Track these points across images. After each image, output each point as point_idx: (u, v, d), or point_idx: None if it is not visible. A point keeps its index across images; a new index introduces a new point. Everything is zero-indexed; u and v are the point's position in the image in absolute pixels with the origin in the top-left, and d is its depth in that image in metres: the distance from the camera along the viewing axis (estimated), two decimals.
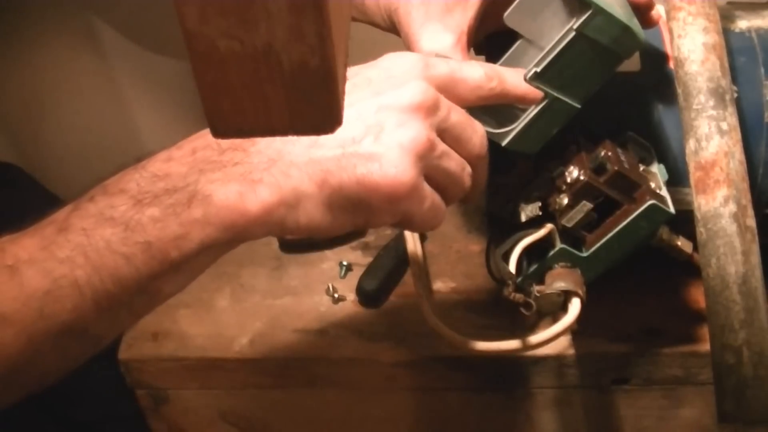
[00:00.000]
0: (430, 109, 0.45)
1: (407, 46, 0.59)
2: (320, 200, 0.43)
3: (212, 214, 0.41)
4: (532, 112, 0.54)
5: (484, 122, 0.53)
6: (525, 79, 0.53)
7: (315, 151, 0.43)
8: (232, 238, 0.42)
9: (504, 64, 0.55)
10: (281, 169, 0.43)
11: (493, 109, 0.54)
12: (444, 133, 0.47)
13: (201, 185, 0.42)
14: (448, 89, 0.48)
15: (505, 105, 0.54)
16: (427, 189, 0.46)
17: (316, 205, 0.43)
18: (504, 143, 0.55)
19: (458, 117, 0.47)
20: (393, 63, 0.48)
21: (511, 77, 0.51)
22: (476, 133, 0.49)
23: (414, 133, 0.44)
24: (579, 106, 0.55)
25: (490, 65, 0.51)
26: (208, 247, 0.42)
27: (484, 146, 0.49)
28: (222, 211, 0.41)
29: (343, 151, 0.43)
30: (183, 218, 0.41)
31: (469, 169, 0.49)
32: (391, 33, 0.68)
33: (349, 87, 0.44)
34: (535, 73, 0.52)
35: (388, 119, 0.44)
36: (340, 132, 0.42)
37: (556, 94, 0.54)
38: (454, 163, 0.47)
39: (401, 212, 0.45)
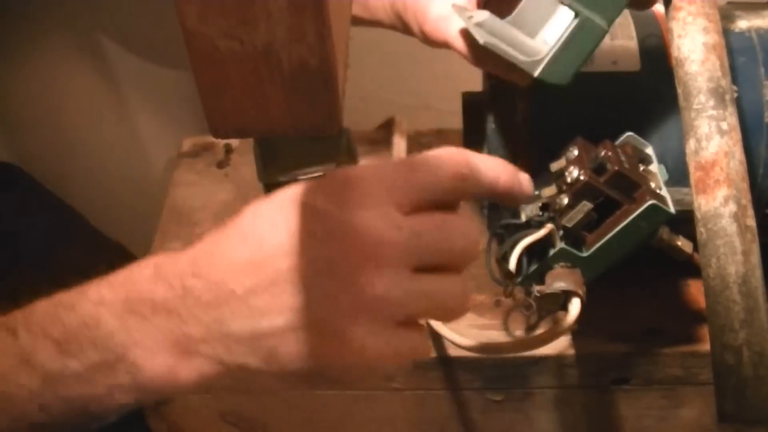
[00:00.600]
0: (394, 263, 0.37)
1: (418, 20, 0.61)
2: (271, 374, 0.38)
3: (140, 383, 0.39)
4: (564, 35, 0.54)
5: (512, 55, 0.54)
6: None
7: (258, 322, 0.37)
8: (163, 398, 0.41)
9: (518, 13, 0.56)
10: (221, 341, 0.38)
11: (515, 40, 0.55)
12: (426, 259, 0.39)
13: (129, 350, 0.38)
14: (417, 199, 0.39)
15: (521, 32, 0.55)
16: (403, 341, 0.38)
17: (269, 377, 0.39)
18: (536, 73, 0.55)
19: (433, 241, 0.39)
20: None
21: (487, 164, 0.42)
22: (464, 237, 0.40)
23: (373, 295, 0.37)
24: (607, 29, 0.55)
25: (455, 153, 0.41)
26: (132, 406, 0.40)
27: (475, 245, 0.41)
28: (151, 382, 0.39)
29: (288, 323, 0.37)
30: (108, 381, 0.39)
31: (457, 286, 0.40)
32: (394, 29, 0.68)
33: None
34: None
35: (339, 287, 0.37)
36: (285, 300, 0.37)
37: (587, 13, 0.54)
38: (439, 298, 0.39)
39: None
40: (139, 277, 0.39)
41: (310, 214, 0.37)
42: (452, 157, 0.40)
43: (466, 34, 0.60)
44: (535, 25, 0.56)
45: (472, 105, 0.70)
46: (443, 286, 0.39)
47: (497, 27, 0.56)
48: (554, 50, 0.55)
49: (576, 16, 0.54)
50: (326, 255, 0.37)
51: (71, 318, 0.39)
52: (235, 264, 0.38)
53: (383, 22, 0.68)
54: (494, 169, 0.42)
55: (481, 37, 0.55)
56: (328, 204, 0.37)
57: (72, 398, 0.39)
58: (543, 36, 0.56)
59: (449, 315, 0.41)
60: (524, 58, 0.55)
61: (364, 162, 0.41)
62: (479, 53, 0.59)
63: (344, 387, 0.40)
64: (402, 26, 0.66)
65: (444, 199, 0.40)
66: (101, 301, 0.39)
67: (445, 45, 0.62)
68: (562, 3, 0.54)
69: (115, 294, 0.39)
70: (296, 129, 0.30)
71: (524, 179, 0.44)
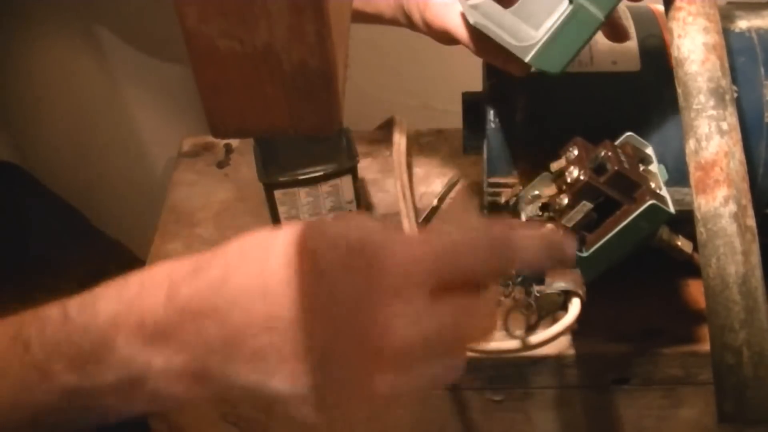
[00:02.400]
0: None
1: (420, 7, 0.61)
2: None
3: (157, 400, 0.39)
4: (557, 22, 0.54)
5: (503, 39, 0.54)
6: None
7: (265, 382, 0.37)
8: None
9: (522, 4, 0.56)
10: (231, 379, 0.38)
11: (513, 27, 0.55)
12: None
13: (148, 377, 0.38)
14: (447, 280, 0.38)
15: (524, 22, 0.55)
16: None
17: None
18: (527, 58, 0.55)
19: (451, 330, 0.38)
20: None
21: (528, 247, 0.40)
22: (482, 323, 0.39)
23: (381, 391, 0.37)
24: (603, 18, 0.55)
25: (501, 227, 0.40)
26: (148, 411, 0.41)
27: (491, 329, 0.40)
28: (168, 400, 0.39)
29: (293, 391, 0.37)
30: (126, 398, 0.39)
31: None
32: (395, 23, 0.68)
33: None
34: None
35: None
36: (292, 367, 0.36)
37: (581, 1, 0.54)
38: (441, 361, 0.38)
39: None
40: (153, 301, 0.38)
41: (328, 283, 0.36)
42: (489, 241, 0.39)
43: (466, 19, 0.60)
44: (539, 17, 0.56)
45: (472, 105, 0.70)
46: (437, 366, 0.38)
47: (494, 12, 0.56)
48: (547, 36, 0.54)
49: (570, 2, 0.54)
50: (340, 329, 0.36)
51: (85, 340, 0.38)
52: (250, 315, 0.36)
53: (384, 15, 0.68)
54: (533, 250, 0.40)
55: (472, 18, 0.55)
56: (350, 278, 0.36)
57: (90, 407, 0.39)
58: (545, 25, 0.56)
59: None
60: (516, 43, 0.55)
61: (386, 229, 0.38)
62: (479, 40, 0.59)
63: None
64: (403, 16, 0.66)
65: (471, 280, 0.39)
66: (115, 323, 0.38)
67: (446, 33, 0.62)
68: None
69: (129, 316, 0.38)
70: (296, 129, 0.30)
71: (568, 246, 0.41)
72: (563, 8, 0.55)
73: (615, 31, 0.61)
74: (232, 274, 0.37)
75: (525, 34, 0.55)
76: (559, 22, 0.54)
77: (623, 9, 0.67)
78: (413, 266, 0.37)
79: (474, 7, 0.56)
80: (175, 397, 0.38)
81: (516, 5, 0.56)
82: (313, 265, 0.36)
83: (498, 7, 0.56)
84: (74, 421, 0.40)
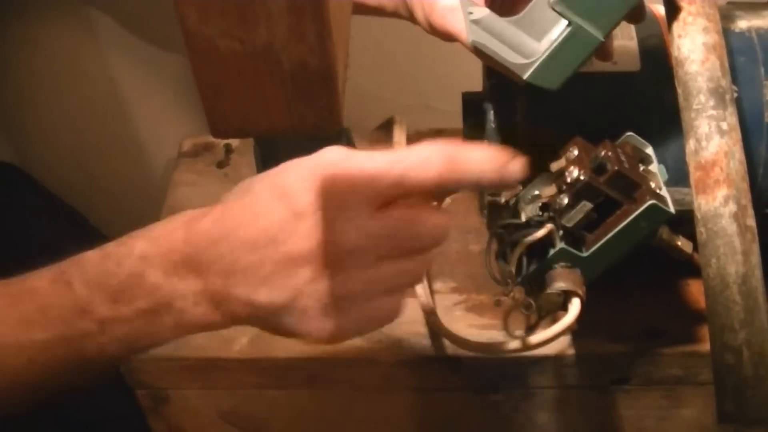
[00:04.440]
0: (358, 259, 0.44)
1: (425, 10, 0.61)
2: (270, 328, 0.46)
3: (183, 324, 0.46)
4: (556, 41, 0.54)
5: (503, 57, 0.54)
6: (549, 5, 0.54)
7: (254, 295, 0.44)
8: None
9: (526, 15, 0.55)
10: (235, 301, 0.45)
11: (515, 40, 0.55)
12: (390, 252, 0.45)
13: (174, 300, 0.45)
14: (401, 196, 0.45)
15: (527, 34, 0.55)
16: (350, 324, 0.45)
17: (269, 329, 0.47)
18: (526, 76, 0.55)
19: (400, 239, 0.44)
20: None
21: (474, 163, 0.45)
22: (432, 234, 0.45)
23: (342, 293, 0.44)
24: (602, 39, 0.54)
25: (444, 152, 0.44)
26: (172, 340, 0.47)
27: (441, 239, 0.46)
28: (192, 323, 0.46)
29: (278, 302, 0.44)
30: (156, 322, 0.45)
31: (413, 271, 0.46)
32: (396, 16, 0.68)
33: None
34: None
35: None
36: (270, 295, 0.44)
37: (580, 22, 0.53)
38: (390, 283, 0.45)
39: None
40: (174, 237, 0.45)
41: (295, 214, 0.43)
42: (437, 158, 0.44)
43: None
44: (542, 29, 0.56)
45: (472, 105, 0.70)
46: (404, 268, 0.45)
47: (495, 26, 0.56)
48: (545, 56, 0.54)
49: (568, 24, 0.53)
50: (306, 250, 0.43)
51: (120, 272, 0.45)
52: (247, 242, 0.44)
53: (386, 7, 0.67)
54: (480, 165, 0.45)
55: (471, 35, 0.55)
56: (313, 202, 0.43)
57: (123, 337, 0.46)
58: (546, 39, 0.56)
59: (400, 293, 0.46)
60: (514, 61, 0.55)
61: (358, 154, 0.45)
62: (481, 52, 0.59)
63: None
64: (406, 12, 0.66)
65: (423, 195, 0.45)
66: (145, 257, 0.45)
67: (450, 37, 0.62)
68: (554, 10, 0.53)
69: (156, 250, 0.45)
70: (296, 129, 0.30)
71: (514, 169, 0.45)
72: (562, 27, 0.54)
73: (600, 50, 0.61)
74: (231, 206, 0.45)
75: (527, 47, 0.55)
76: (557, 42, 0.54)
77: None
78: (361, 185, 0.43)
79: (476, 22, 0.56)
80: (197, 321, 0.45)
81: (520, 15, 0.56)
82: (283, 191, 0.44)
83: (500, 21, 0.56)
84: (110, 354, 0.46)
